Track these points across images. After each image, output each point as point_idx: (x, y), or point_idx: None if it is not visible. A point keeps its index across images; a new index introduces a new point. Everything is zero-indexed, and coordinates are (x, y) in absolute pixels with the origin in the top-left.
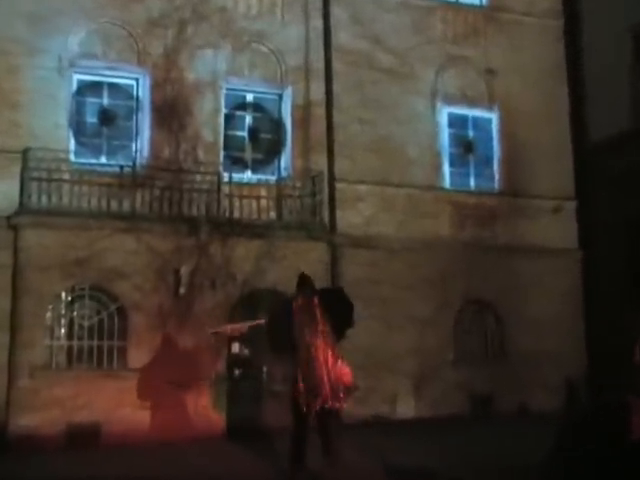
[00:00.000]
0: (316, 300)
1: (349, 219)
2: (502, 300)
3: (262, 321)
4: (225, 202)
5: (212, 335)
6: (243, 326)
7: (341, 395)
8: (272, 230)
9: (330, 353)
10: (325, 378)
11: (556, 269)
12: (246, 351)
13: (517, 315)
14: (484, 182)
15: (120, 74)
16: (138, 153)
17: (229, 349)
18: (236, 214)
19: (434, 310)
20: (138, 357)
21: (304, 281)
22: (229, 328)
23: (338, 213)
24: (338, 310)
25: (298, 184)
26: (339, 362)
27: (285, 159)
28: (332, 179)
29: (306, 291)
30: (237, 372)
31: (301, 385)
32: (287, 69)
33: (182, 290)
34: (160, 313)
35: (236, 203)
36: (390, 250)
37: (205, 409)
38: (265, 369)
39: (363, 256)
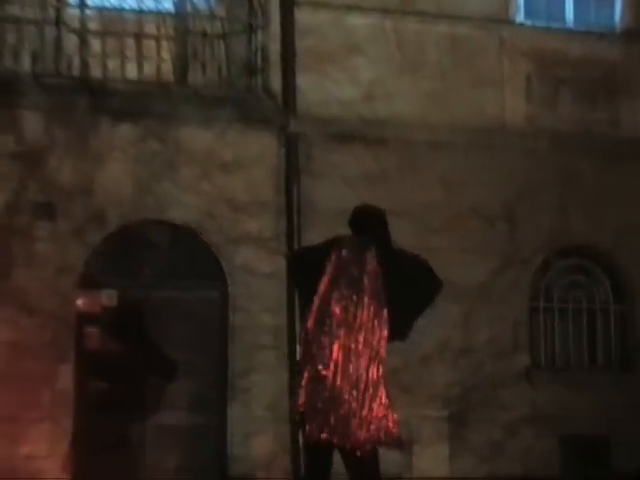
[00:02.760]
0: (372, 260)
1: (326, 87)
2: (629, 251)
3: None
4: (71, 45)
5: None
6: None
7: (360, 436)
8: (167, 105)
9: (369, 365)
10: (339, 409)
11: None
12: (117, 347)
13: None
14: (595, 15)
15: None
16: None
17: (80, 344)
18: (95, 72)
19: (492, 272)
20: None
21: (360, 221)
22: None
23: (302, 76)
24: (406, 291)
25: (221, 13)
26: (381, 390)
27: None
28: (291, 1)
29: (360, 241)
30: (98, 390)
31: (301, 403)
32: None
33: None
34: None
35: (94, 49)
36: (407, 149)
37: (32, 461)
38: (152, 382)
39: (353, 160)
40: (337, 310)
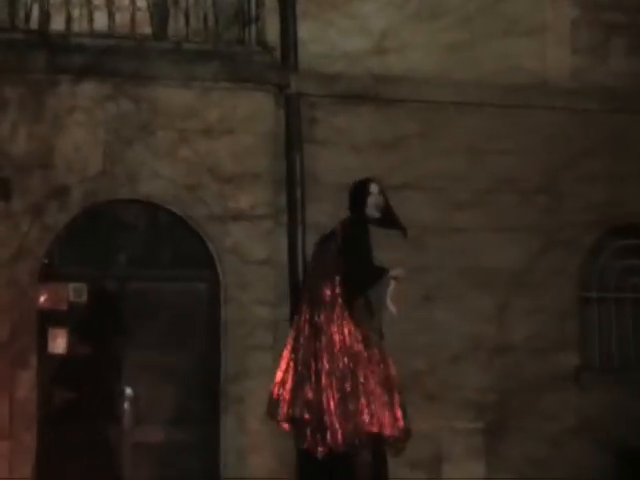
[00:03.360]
0: (338, 237)
1: (330, 38)
2: None
3: None
4: None
5: None
6: None
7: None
8: (142, 62)
9: (371, 355)
10: (333, 406)
11: None
12: (87, 350)
13: None
14: None
15: None
16: None
17: (42, 347)
18: (56, 24)
19: (531, 256)
20: None
21: (350, 197)
22: None
23: (303, 26)
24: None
25: None
26: (394, 387)
27: None
28: None
29: (330, 232)
30: (64, 400)
31: (296, 410)
32: None
33: None
34: None
35: (54, 2)
36: (427, 111)
37: None
38: (129, 391)
39: (363, 123)
40: (317, 298)
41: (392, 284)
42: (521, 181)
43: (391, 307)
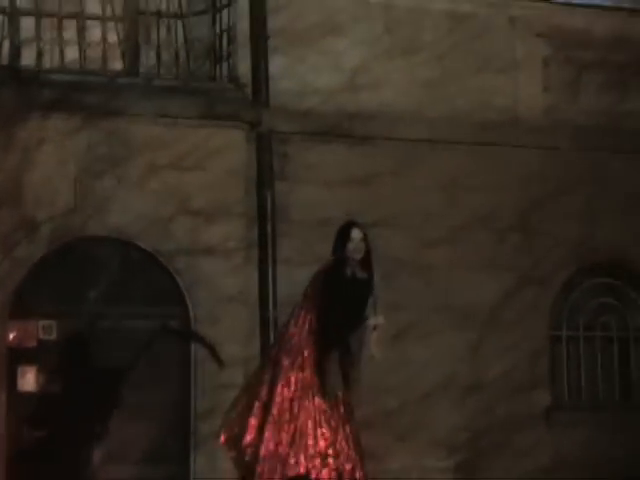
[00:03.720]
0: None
1: (302, 75)
2: None
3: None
4: None
5: None
6: None
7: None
8: (113, 96)
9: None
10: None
11: None
12: (56, 388)
13: None
14: None
15: None
16: None
17: (11, 384)
18: (27, 59)
19: (504, 294)
20: None
21: (335, 238)
22: None
23: (275, 62)
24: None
25: None
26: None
27: None
28: None
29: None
30: (33, 439)
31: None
32: None
33: None
34: None
35: (26, 32)
36: (400, 148)
37: None
38: (99, 429)
39: (335, 160)
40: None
41: (374, 332)
42: (494, 219)
43: (375, 352)
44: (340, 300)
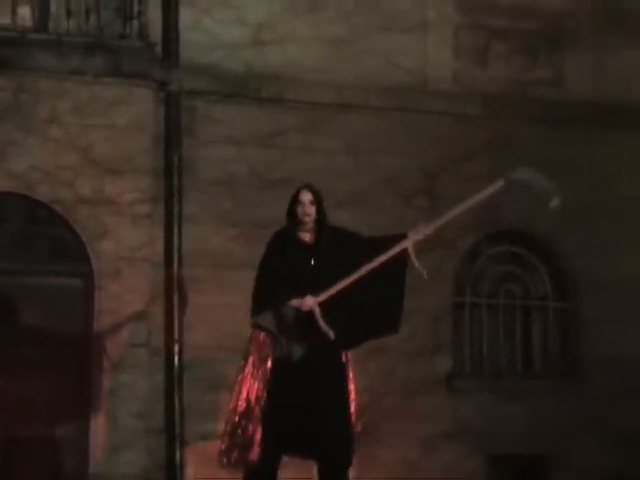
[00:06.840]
0: None
1: (207, 28)
2: (572, 236)
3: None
4: None
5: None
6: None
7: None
8: (24, 53)
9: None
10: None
11: None
12: None
13: (607, 274)
14: None
15: None
16: None
17: None
18: None
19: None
20: None
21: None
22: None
23: (185, 11)
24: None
25: None
26: None
27: None
28: None
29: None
30: None
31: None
32: None
33: None
34: None
35: None
36: (307, 108)
37: None
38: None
39: (243, 119)
40: None
41: (316, 311)
42: (400, 182)
43: (418, 264)
44: (276, 263)
